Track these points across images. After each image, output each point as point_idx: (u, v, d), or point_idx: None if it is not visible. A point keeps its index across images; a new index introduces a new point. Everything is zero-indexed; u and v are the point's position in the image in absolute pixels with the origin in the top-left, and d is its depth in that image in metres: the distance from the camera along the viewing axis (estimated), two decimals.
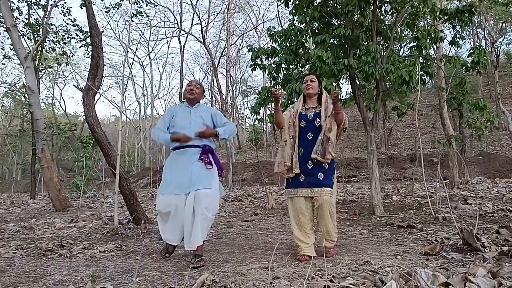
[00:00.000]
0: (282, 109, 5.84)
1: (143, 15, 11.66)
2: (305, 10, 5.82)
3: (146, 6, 11.43)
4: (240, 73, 32.19)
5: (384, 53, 5.81)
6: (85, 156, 10.90)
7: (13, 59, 13.88)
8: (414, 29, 5.97)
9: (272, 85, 6.39)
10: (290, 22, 6.29)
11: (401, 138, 24.59)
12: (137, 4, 10.68)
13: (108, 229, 4.81)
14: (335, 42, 5.91)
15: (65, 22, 11.20)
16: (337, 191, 3.72)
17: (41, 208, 8.82)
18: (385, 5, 5.89)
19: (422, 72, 5.84)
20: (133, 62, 30.27)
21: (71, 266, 3.12)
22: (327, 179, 3.11)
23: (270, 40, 6.25)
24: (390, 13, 6.30)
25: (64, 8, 11.04)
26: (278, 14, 17.51)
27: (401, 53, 11.29)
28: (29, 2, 11.08)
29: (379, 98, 5.94)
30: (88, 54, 10.51)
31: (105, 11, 10.52)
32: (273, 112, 4.33)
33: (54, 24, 11.72)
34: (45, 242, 4.03)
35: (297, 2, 5.89)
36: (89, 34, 5.82)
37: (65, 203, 8.21)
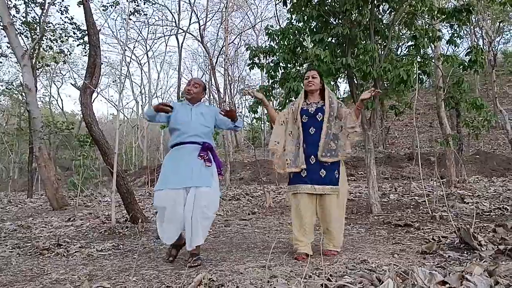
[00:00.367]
0: (280, 108, 5.88)
1: (141, 13, 11.63)
2: (303, 8, 5.81)
3: (144, 4, 11.38)
4: (238, 72, 32.16)
5: (382, 52, 5.81)
6: (83, 154, 10.88)
7: (10, 58, 13.83)
8: (412, 28, 5.97)
9: (270, 84, 6.38)
10: (288, 21, 6.28)
11: (399, 137, 24.63)
12: (134, 2, 10.64)
13: (105, 228, 4.80)
14: (333, 41, 5.91)
15: (62, 20, 11.09)
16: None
17: (38, 207, 8.80)
18: (383, 4, 5.89)
19: (419, 71, 5.85)
20: (130, 61, 30.19)
21: (68, 265, 3.12)
22: (329, 176, 3.06)
23: (268, 39, 6.23)
24: (388, 12, 6.31)
25: (61, 6, 10.98)
26: (276, 13, 17.53)
27: (399, 52, 11.32)
28: (26, 0, 11.03)
29: (376, 97, 5.94)
30: (85, 52, 10.47)
31: (103, 9, 10.45)
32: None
33: (51, 22, 11.65)
34: (42, 241, 4.02)
35: (295, 0, 5.88)
36: (86, 32, 5.80)
37: (62, 202, 8.18)
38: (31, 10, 11.77)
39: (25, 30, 11.12)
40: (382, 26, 5.97)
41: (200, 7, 33.19)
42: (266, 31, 6.22)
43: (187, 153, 3.09)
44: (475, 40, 22.40)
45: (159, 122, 3.32)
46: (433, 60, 6.97)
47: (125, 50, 21.21)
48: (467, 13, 5.52)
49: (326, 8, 5.67)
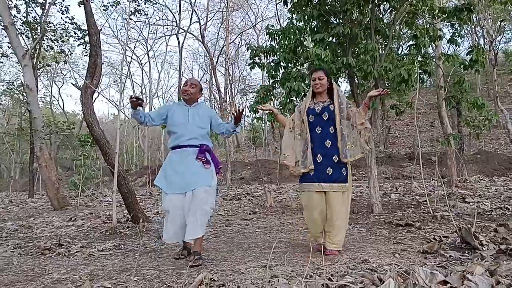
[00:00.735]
0: (281, 107, 5.88)
1: (142, 13, 11.62)
2: (303, 8, 5.81)
3: (145, 4, 11.39)
4: (239, 71, 32.16)
5: (383, 52, 5.81)
6: (84, 154, 10.90)
7: (11, 58, 13.81)
8: (412, 28, 5.97)
9: (271, 84, 6.37)
10: (289, 21, 6.28)
11: (400, 136, 24.62)
12: (135, 2, 10.64)
13: (106, 228, 4.81)
14: (334, 40, 5.90)
15: (63, 20, 11.08)
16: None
17: (40, 207, 8.81)
18: (384, 3, 5.88)
19: (420, 71, 5.85)
20: (131, 61, 30.22)
21: (70, 264, 3.12)
22: (336, 173, 3.13)
23: (269, 39, 6.23)
24: (388, 11, 6.31)
25: (62, 6, 10.97)
26: (277, 13, 17.47)
27: (399, 52, 11.31)
28: (27, 0, 11.03)
29: (377, 97, 5.93)
30: (86, 52, 10.47)
31: (103, 9, 10.43)
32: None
33: (52, 22, 11.64)
34: (44, 241, 4.03)
35: (295, 0, 5.88)
36: (87, 32, 5.79)
37: (64, 201, 8.19)
38: (32, 10, 11.78)
39: (26, 30, 11.12)
40: (383, 26, 5.97)
41: (200, 6, 33.10)
42: (267, 31, 6.21)
43: (185, 156, 3.20)
44: (476, 39, 22.39)
45: (152, 124, 3.39)
46: (434, 60, 6.96)
47: (126, 50, 21.24)
48: (468, 12, 5.51)
49: (326, 7, 5.67)
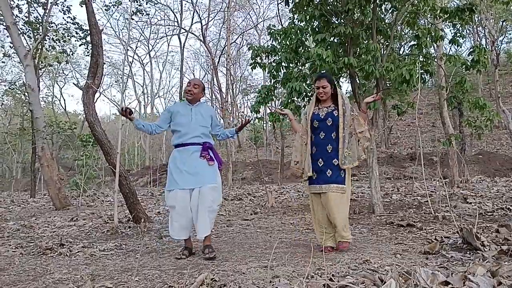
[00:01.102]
0: (282, 107, 5.88)
1: (143, 13, 11.64)
2: (305, 8, 5.80)
3: (146, 4, 11.42)
4: (240, 71, 32.14)
5: (384, 52, 5.80)
6: (85, 154, 10.91)
7: (13, 57, 13.86)
8: (414, 28, 5.96)
9: (272, 84, 6.37)
10: (290, 21, 6.28)
11: (401, 136, 24.59)
12: (137, 2, 10.66)
13: (108, 228, 4.82)
14: (335, 40, 5.90)
15: (65, 20, 11.10)
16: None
17: (41, 207, 8.83)
18: (385, 3, 5.87)
19: (422, 71, 5.83)
20: (133, 61, 30.27)
21: (71, 264, 3.13)
22: (334, 175, 3.25)
23: (270, 39, 6.23)
24: (390, 11, 6.29)
25: (64, 6, 11.00)
26: (278, 13, 17.44)
27: (401, 52, 11.29)
28: (28, 0, 11.06)
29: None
30: (88, 52, 10.48)
31: (105, 9, 10.50)
32: (273, 110, 4.54)
33: (54, 22, 11.64)
34: (45, 241, 4.03)
35: (297, 0, 5.87)
36: (89, 32, 5.80)
37: (65, 201, 8.21)
38: (34, 10, 11.81)
39: (27, 30, 11.14)
40: (385, 26, 5.96)
41: (202, 7, 33.23)
42: (268, 31, 6.21)
43: (190, 154, 3.29)
44: (478, 39, 22.35)
45: (161, 131, 3.47)
46: (435, 60, 6.94)
47: (128, 50, 21.25)
48: (470, 13, 5.50)
49: (328, 7, 5.67)
